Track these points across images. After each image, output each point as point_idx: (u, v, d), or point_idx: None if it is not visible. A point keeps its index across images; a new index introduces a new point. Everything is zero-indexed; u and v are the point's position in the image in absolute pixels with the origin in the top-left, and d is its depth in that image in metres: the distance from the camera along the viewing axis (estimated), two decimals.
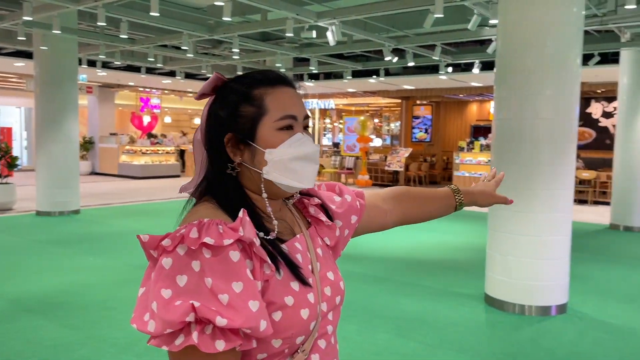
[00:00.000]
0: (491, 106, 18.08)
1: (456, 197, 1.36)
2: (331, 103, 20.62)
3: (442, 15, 5.89)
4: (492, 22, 6.44)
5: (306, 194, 1.14)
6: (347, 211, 1.18)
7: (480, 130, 17.92)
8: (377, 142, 20.25)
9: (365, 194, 1.27)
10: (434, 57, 9.49)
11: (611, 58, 10.02)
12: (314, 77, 14.45)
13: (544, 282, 4.59)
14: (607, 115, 14.89)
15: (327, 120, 23.73)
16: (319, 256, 1.05)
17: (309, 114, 1.04)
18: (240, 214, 0.88)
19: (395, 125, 20.85)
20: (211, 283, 0.80)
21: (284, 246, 0.96)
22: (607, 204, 11.35)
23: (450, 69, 11.52)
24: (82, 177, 11.21)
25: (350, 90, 17.93)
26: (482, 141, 15.05)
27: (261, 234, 0.93)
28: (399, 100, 19.33)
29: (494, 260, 4.82)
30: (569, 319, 4.52)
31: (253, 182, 0.99)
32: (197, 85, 16.98)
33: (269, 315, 0.87)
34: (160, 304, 0.80)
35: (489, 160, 14.26)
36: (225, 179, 0.99)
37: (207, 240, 0.81)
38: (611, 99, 14.42)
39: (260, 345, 0.88)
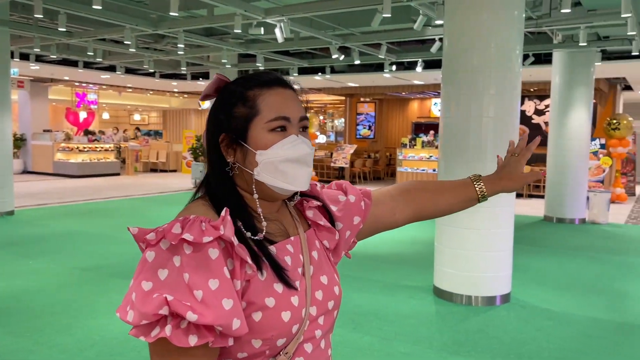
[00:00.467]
0: (432, 104, 18.60)
1: (476, 186, 1.26)
2: None
3: (389, 15, 6.01)
4: (437, 22, 6.62)
5: (308, 195, 1.14)
6: (349, 212, 1.17)
7: (421, 127, 18.37)
8: (321, 139, 20.37)
9: (372, 192, 1.25)
10: (379, 56, 9.65)
11: (544, 59, 10.53)
12: None
13: (489, 273, 4.80)
14: (539, 112, 15.65)
15: None
16: (313, 259, 1.05)
17: (306, 115, 1.04)
18: (223, 212, 0.89)
19: (339, 122, 21.06)
20: (188, 278, 0.83)
21: (272, 248, 0.97)
22: (541, 197, 11.95)
23: (394, 67, 11.75)
24: (15, 177, 10.65)
25: (296, 87, 17.91)
26: (424, 138, 15.45)
27: (248, 234, 0.94)
28: (343, 98, 19.52)
29: (442, 253, 5.00)
30: (512, 308, 4.75)
31: (246, 183, 1.00)
32: (137, 81, 16.48)
33: (249, 315, 0.89)
34: (139, 296, 0.83)
35: (431, 157, 14.79)
36: (221, 178, 1.01)
37: (187, 236, 0.84)
38: (543, 97, 15.16)
39: (239, 344, 0.89)
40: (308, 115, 1.05)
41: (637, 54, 8.67)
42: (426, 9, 6.58)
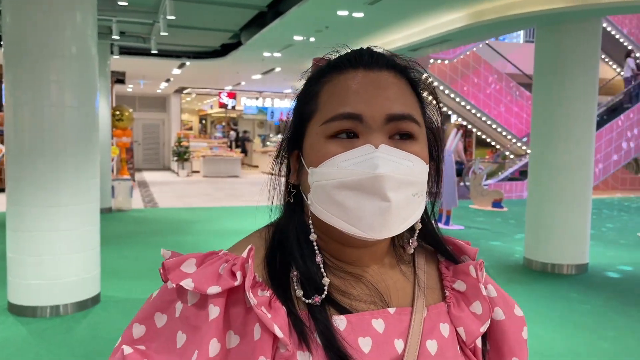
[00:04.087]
0: None
1: None
2: None
3: None
4: None
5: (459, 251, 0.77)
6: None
7: None
8: None
9: None
10: None
11: None
12: None
13: (79, 276, 4.45)
14: None
15: None
16: (425, 352, 0.66)
17: (407, 113, 0.66)
18: (245, 252, 0.63)
19: None
20: (183, 342, 0.61)
21: (342, 318, 0.64)
22: None
23: None
24: None
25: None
26: None
27: (299, 292, 0.64)
28: None
29: (18, 264, 4.27)
30: (106, 307, 4.58)
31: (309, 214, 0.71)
32: None
33: None
34: (121, 341, 0.64)
35: None
36: (283, 202, 0.75)
37: (186, 283, 0.60)
38: None
39: None
40: (411, 113, 0.66)
41: (147, 51, 9.53)
42: None
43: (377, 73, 0.66)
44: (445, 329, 0.69)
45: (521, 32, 17.19)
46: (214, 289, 0.60)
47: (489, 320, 0.71)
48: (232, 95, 19.38)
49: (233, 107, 19.71)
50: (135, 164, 17.07)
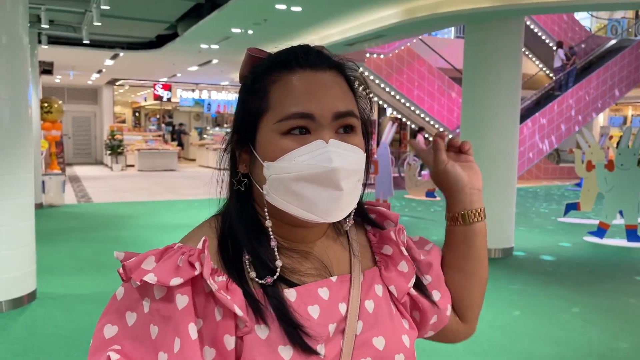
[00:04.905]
0: None
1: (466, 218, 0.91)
2: None
3: None
4: None
5: (384, 219, 0.87)
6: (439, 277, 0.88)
7: None
8: None
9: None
10: None
11: None
12: None
13: (15, 272, 4.32)
14: None
15: None
16: (365, 312, 0.75)
17: (350, 109, 0.73)
18: (200, 243, 0.67)
19: None
20: (157, 334, 0.65)
21: (290, 292, 0.71)
22: None
23: None
24: None
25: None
26: None
27: (252, 274, 0.70)
28: None
29: None
30: (43, 304, 4.48)
31: (261, 202, 0.75)
32: None
33: None
34: (95, 343, 0.66)
35: None
36: (230, 192, 0.79)
37: (149, 277, 0.64)
38: None
39: None
40: (353, 109, 0.74)
41: (78, 41, 9.21)
42: None
43: (323, 74, 0.72)
44: (379, 289, 0.78)
45: (452, 28, 17.84)
46: (176, 281, 0.64)
47: (414, 276, 0.81)
48: (167, 87, 18.98)
49: (168, 99, 19.31)
50: (66, 158, 16.42)
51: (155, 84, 18.79)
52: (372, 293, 0.77)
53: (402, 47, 13.89)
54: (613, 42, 16.71)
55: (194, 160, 21.74)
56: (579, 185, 12.51)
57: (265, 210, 0.73)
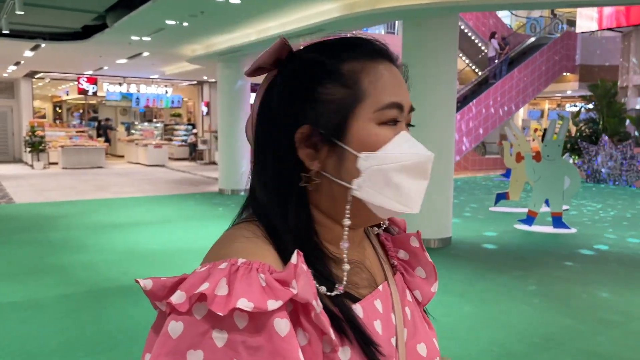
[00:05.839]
0: None
1: None
2: None
3: None
4: None
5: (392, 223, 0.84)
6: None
7: None
8: None
9: None
10: None
11: None
12: None
13: None
14: None
15: None
16: (406, 319, 0.73)
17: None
18: (294, 257, 0.57)
19: None
20: None
21: (357, 308, 0.66)
22: None
23: None
24: None
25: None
26: None
27: (322, 289, 0.62)
28: None
29: None
30: None
31: (329, 202, 0.68)
32: None
33: None
34: None
35: None
36: (289, 195, 0.67)
37: (242, 304, 0.53)
38: None
39: None
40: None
41: None
42: None
43: (397, 68, 0.72)
44: (409, 294, 0.77)
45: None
46: (274, 304, 0.54)
47: (436, 281, 0.80)
48: (92, 80, 18.08)
49: (94, 93, 18.39)
50: None
51: (79, 77, 17.85)
52: (406, 299, 0.75)
53: None
54: (532, 39, 17.67)
55: (122, 156, 20.92)
56: (505, 175, 13.16)
57: (348, 209, 0.67)
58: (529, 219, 7.77)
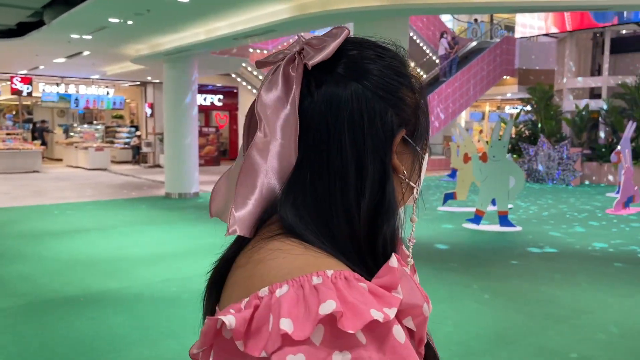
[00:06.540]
0: None
1: None
2: None
3: None
4: None
5: None
6: None
7: None
8: None
9: None
10: None
11: None
12: None
13: None
14: None
15: None
16: None
17: None
18: (394, 261, 0.56)
19: None
20: None
21: None
22: None
23: None
24: None
25: None
26: None
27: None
28: None
29: None
30: None
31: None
32: None
33: None
34: None
35: None
36: (384, 205, 0.62)
37: (376, 314, 0.50)
38: None
39: None
40: None
41: None
42: None
43: None
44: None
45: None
46: (391, 312, 0.52)
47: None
48: (27, 80, 17.18)
49: (29, 94, 17.47)
50: None
51: (12, 77, 16.92)
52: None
53: (285, 43, 13.91)
54: (474, 43, 18.22)
55: (60, 160, 20.01)
56: (450, 176, 13.47)
57: (414, 214, 0.76)
58: (477, 218, 7.96)
